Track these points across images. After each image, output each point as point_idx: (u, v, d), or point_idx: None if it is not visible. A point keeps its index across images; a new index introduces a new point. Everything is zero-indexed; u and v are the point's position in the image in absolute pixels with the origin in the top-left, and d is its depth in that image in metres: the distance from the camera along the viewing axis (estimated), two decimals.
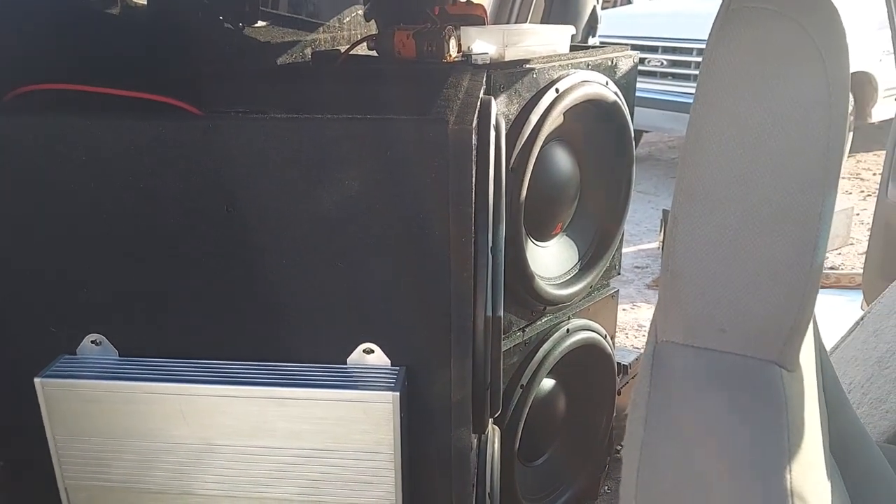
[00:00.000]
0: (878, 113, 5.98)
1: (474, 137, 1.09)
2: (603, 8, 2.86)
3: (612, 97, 1.72)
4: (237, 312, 1.19)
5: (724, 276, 0.75)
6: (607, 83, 1.72)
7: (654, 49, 5.84)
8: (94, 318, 1.22)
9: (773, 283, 0.74)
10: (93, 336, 1.22)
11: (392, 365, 1.17)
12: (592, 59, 1.70)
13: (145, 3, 1.79)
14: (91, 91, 1.26)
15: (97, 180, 1.14)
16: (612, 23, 5.98)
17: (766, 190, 0.72)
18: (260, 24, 2.00)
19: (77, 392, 1.17)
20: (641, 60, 5.53)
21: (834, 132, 0.70)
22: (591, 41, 2.41)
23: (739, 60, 0.70)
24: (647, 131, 6.57)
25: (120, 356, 1.23)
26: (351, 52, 1.73)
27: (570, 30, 1.73)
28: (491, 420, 1.47)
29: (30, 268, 1.19)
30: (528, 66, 1.54)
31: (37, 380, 1.17)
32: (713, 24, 0.74)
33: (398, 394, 1.10)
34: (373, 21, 1.94)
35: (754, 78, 0.70)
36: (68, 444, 1.21)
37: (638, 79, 1.89)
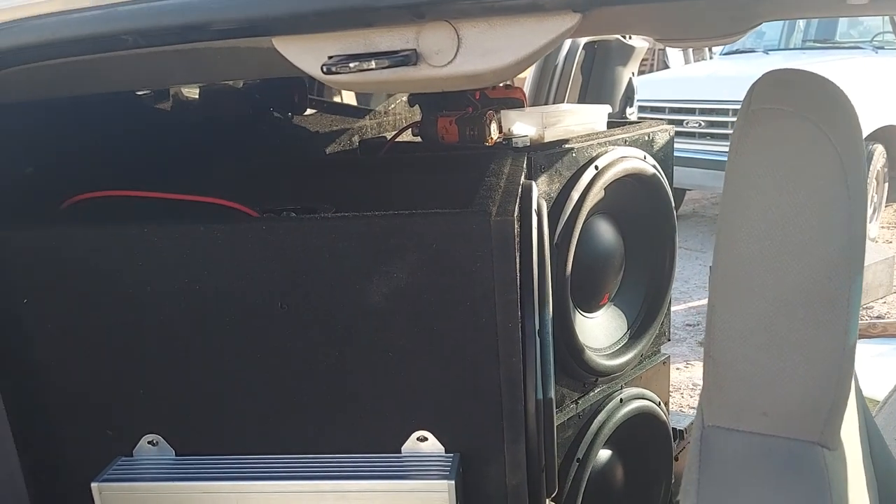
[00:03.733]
0: None
1: (516, 226, 1.12)
2: (640, 73, 2.91)
3: (651, 170, 1.75)
4: (292, 406, 1.20)
5: (762, 361, 0.78)
6: (645, 157, 1.75)
7: (691, 111, 5.91)
8: (150, 419, 1.23)
9: (809, 366, 0.76)
10: (149, 437, 1.23)
11: (446, 452, 1.18)
12: (629, 135, 1.74)
13: (197, 97, 1.87)
14: (147, 196, 1.30)
15: (153, 285, 1.17)
16: (651, 87, 6.10)
17: (796, 277, 0.74)
18: (309, 112, 2.08)
19: (135, 495, 1.17)
20: (680, 122, 5.61)
21: (855, 222, 0.72)
22: (629, 111, 2.46)
23: (761, 159, 0.74)
24: (689, 189, 6.59)
25: (177, 455, 1.23)
26: (396, 140, 1.80)
27: (606, 108, 1.78)
28: (548, 499, 1.47)
29: (86, 372, 1.21)
30: (567, 145, 1.58)
31: (94, 484, 1.16)
32: (736, 122, 0.77)
33: (453, 482, 1.11)
34: (417, 106, 2.01)
35: (776, 175, 0.73)
36: None
37: (677, 139, 1.92)
